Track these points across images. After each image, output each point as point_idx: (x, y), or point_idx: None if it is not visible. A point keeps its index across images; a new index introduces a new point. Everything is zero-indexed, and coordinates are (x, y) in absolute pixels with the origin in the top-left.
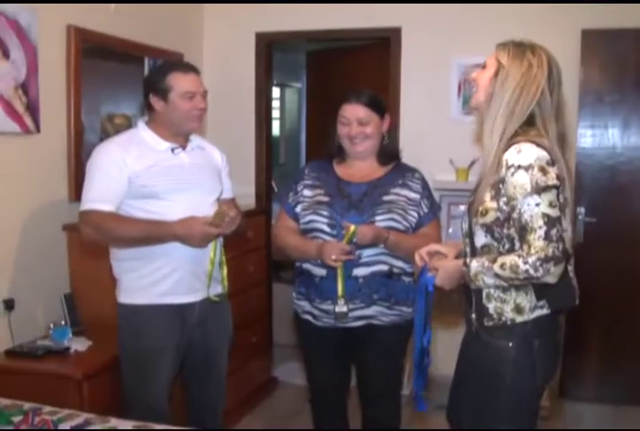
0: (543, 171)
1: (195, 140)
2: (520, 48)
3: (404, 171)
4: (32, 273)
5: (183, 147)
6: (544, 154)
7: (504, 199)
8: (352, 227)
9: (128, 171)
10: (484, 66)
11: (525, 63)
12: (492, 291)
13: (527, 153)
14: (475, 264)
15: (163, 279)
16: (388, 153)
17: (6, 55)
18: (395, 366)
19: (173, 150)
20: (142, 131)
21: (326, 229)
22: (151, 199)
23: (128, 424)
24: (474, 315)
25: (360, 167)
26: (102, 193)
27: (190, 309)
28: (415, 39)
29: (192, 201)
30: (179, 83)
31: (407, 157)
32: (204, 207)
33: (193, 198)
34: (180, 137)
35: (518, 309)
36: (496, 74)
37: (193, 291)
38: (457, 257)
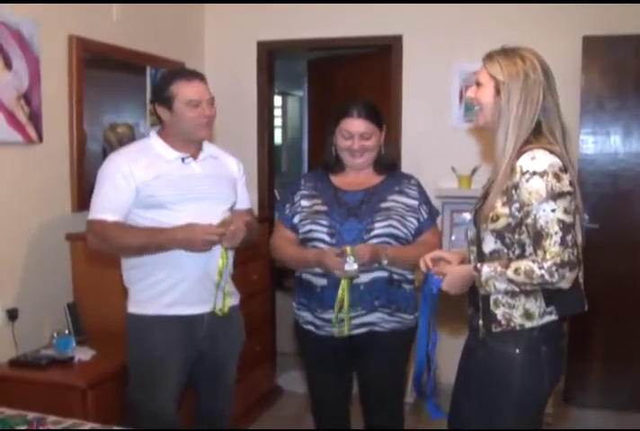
0: (557, 177)
1: (208, 149)
2: (509, 58)
3: (399, 177)
4: (36, 283)
5: (195, 157)
6: (557, 161)
7: (517, 205)
8: (348, 249)
9: (136, 182)
10: (478, 84)
11: (521, 73)
12: (499, 297)
13: (541, 159)
14: (486, 269)
15: (170, 290)
16: (386, 163)
17: (9, 65)
18: (397, 373)
19: (183, 160)
20: (153, 141)
21: (326, 238)
22: (159, 209)
23: None
24: (481, 321)
25: (357, 176)
26: (108, 203)
27: (198, 321)
28: (416, 47)
29: (201, 212)
30: (182, 91)
31: (409, 165)
32: (213, 218)
33: (203, 209)
34: (191, 147)
35: (527, 314)
36: (497, 91)
37: (201, 303)
38: (461, 264)
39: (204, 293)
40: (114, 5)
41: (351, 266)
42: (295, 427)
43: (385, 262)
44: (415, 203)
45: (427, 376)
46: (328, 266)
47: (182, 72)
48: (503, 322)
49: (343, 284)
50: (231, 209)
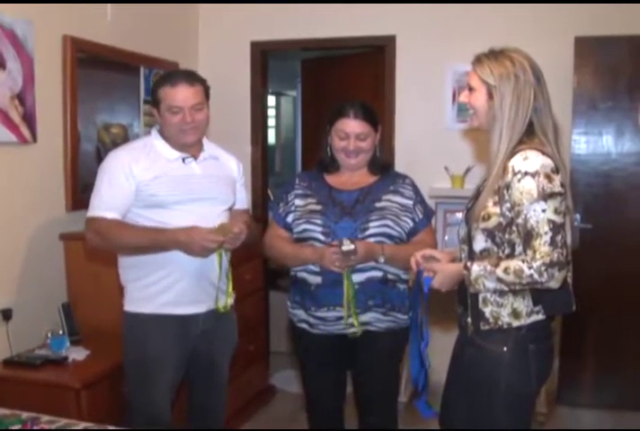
0: (548, 178)
1: (209, 149)
2: (498, 61)
3: (394, 177)
4: (30, 283)
5: (195, 157)
6: (549, 162)
7: (508, 205)
8: (344, 239)
9: (136, 181)
10: (470, 88)
11: (512, 76)
12: (488, 295)
13: (533, 160)
14: (476, 267)
15: (166, 289)
16: (380, 164)
17: (2, 65)
18: (391, 373)
19: (183, 160)
20: (155, 140)
21: (321, 237)
22: (158, 209)
23: None
24: (469, 319)
25: (351, 175)
26: (107, 200)
27: (194, 320)
28: (410, 47)
29: (201, 212)
30: (166, 96)
31: (402, 165)
32: (213, 218)
33: (202, 209)
34: (191, 147)
35: (515, 313)
36: (490, 95)
37: (197, 302)
38: (451, 262)
39: (200, 293)
40: (108, 5)
41: (349, 246)
42: (288, 427)
43: (382, 260)
44: (410, 202)
45: (419, 374)
46: (328, 263)
47: (170, 75)
48: (491, 320)
49: (346, 283)
50: (229, 210)
